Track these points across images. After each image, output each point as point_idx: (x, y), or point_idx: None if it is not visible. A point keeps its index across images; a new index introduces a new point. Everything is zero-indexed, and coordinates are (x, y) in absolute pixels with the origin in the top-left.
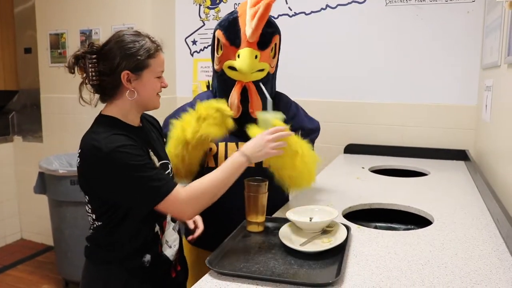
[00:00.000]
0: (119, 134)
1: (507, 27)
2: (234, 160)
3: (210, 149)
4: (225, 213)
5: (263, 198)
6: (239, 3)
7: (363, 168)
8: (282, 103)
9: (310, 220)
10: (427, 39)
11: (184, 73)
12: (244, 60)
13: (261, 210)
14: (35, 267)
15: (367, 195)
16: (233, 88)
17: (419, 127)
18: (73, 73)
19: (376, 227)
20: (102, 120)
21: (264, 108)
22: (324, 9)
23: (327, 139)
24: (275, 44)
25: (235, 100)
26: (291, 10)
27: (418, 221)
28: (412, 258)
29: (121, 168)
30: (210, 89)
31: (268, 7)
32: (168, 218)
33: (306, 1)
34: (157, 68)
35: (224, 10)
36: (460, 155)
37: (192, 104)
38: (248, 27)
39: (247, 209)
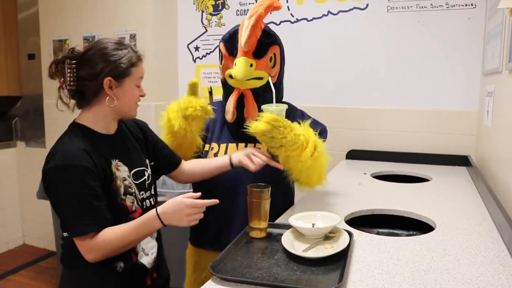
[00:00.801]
0: (80, 150)
1: (508, 34)
2: (147, 223)
3: (212, 147)
4: (227, 213)
5: (266, 204)
6: (242, 9)
7: (365, 174)
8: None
9: (313, 226)
10: (429, 45)
11: (186, 79)
12: (239, 68)
13: (263, 216)
14: (37, 272)
15: (369, 201)
16: (231, 95)
17: (421, 133)
18: (54, 78)
19: (378, 233)
20: (72, 130)
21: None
22: (325, 15)
23: (329, 145)
24: (274, 54)
25: (230, 105)
26: (293, 16)
27: (420, 227)
28: (415, 264)
29: (62, 186)
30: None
31: (259, 18)
32: None
33: (308, 8)
34: (137, 76)
35: (227, 16)
36: (462, 160)
37: None
38: (242, 37)
39: (249, 215)
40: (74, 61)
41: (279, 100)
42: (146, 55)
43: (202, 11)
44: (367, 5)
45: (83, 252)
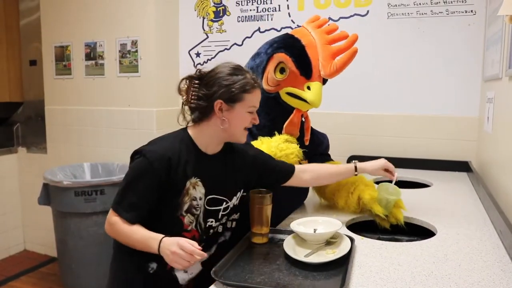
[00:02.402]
0: (166, 154)
1: (507, 40)
2: (150, 243)
3: None
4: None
5: (268, 210)
6: (243, 16)
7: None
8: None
9: (314, 232)
10: (429, 51)
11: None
12: (318, 94)
13: (265, 222)
14: (38, 278)
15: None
16: (293, 115)
17: (421, 138)
18: (181, 94)
19: (379, 238)
20: (178, 134)
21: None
22: None
23: (330, 150)
24: None
25: (295, 127)
26: (293, 23)
27: (420, 232)
28: (416, 270)
29: (131, 169)
30: None
31: (355, 53)
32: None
33: (309, 14)
34: (250, 103)
35: (228, 23)
36: (462, 166)
37: None
38: (329, 65)
39: (251, 220)
40: (197, 81)
41: None
42: (148, 61)
43: (203, 18)
44: (368, 11)
45: (107, 220)
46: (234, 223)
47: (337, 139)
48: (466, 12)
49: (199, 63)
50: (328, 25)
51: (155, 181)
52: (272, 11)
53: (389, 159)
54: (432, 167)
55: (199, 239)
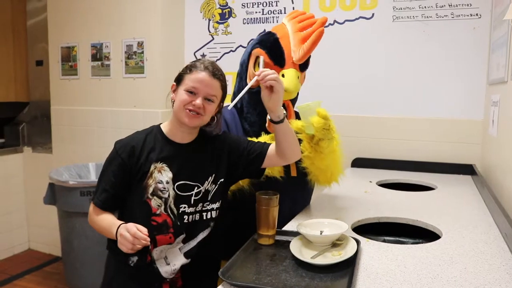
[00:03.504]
0: (131, 143)
1: None
2: (111, 228)
3: None
4: (240, 225)
5: (274, 212)
6: (248, 18)
7: (370, 182)
8: None
9: (321, 234)
10: (434, 54)
11: None
12: (291, 80)
13: (272, 223)
14: (42, 277)
15: (375, 209)
16: None
17: (426, 141)
18: None
19: (384, 241)
20: (149, 127)
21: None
22: (332, 24)
23: None
24: None
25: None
26: None
27: (425, 235)
28: (422, 272)
29: (106, 160)
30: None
31: (321, 34)
32: (179, 239)
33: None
34: (188, 82)
35: (233, 25)
36: (467, 169)
37: None
38: (298, 50)
39: (258, 222)
40: None
41: None
42: (153, 62)
43: (209, 20)
44: (373, 14)
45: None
46: (212, 214)
47: (342, 141)
48: (471, 15)
49: None
50: (304, 15)
51: (119, 167)
52: (278, 13)
53: (394, 162)
54: (436, 170)
55: (173, 224)
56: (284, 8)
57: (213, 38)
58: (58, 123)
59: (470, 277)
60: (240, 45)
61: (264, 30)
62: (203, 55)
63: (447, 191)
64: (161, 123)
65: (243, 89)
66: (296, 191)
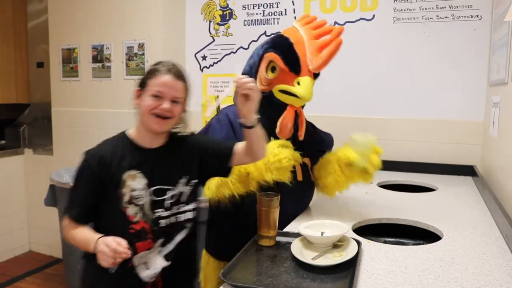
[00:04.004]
0: (100, 153)
1: None
2: (89, 243)
3: None
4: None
5: (275, 213)
6: (249, 20)
7: (371, 183)
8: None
9: (322, 235)
10: (434, 55)
11: (193, 88)
12: (307, 88)
13: (273, 224)
14: (43, 279)
15: (376, 210)
16: (286, 112)
17: (426, 142)
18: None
19: (385, 242)
20: (116, 135)
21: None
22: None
23: None
24: None
25: (288, 123)
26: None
27: (426, 236)
28: (423, 273)
29: (76, 172)
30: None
31: (340, 45)
32: (157, 244)
33: None
34: (153, 87)
35: (234, 26)
36: (467, 170)
37: (218, 119)
38: (315, 58)
39: (259, 223)
40: None
41: None
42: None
43: (210, 21)
44: (374, 16)
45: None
46: (188, 215)
47: (342, 142)
48: (471, 17)
49: (205, 66)
50: (317, 21)
51: (91, 177)
52: (278, 15)
53: (394, 163)
54: (437, 171)
55: (151, 230)
56: (285, 9)
57: (213, 40)
58: (59, 125)
59: (471, 278)
60: (241, 47)
61: (265, 31)
62: (204, 57)
63: (447, 192)
64: (127, 130)
65: None
66: (300, 195)
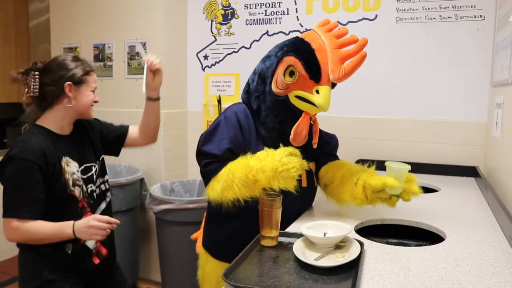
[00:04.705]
0: (36, 147)
1: None
2: (63, 230)
3: None
4: (245, 228)
5: (277, 213)
6: (251, 19)
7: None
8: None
9: (324, 235)
10: (437, 55)
11: (195, 87)
12: (326, 98)
13: (275, 225)
14: None
15: (378, 211)
16: (301, 119)
17: (429, 143)
18: (24, 87)
19: (387, 243)
20: (33, 130)
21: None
22: None
23: (338, 153)
24: None
25: (303, 130)
26: (302, 26)
27: (429, 237)
28: (426, 274)
29: (13, 175)
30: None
31: (364, 58)
32: (97, 213)
33: (317, 18)
34: (92, 84)
35: (236, 25)
36: (470, 171)
37: (226, 117)
38: (337, 70)
39: (261, 223)
40: (37, 72)
41: None
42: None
43: (212, 20)
44: (376, 16)
45: (6, 231)
46: (106, 186)
47: (345, 142)
48: (475, 17)
49: (207, 66)
50: (338, 29)
51: (36, 173)
52: (281, 14)
53: None
54: (439, 172)
55: (88, 205)
56: (287, 9)
57: (215, 39)
58: None
59: (475, 280)
60: (243, 46)
61: (267, 31)
62: (206, 56)
63: (450, 193)
64: (36, 123)
65: (264, 92)
66: (302, 200)
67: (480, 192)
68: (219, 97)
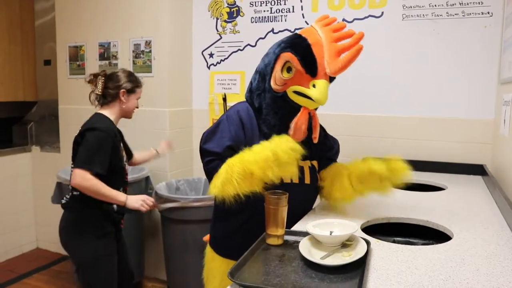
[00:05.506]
0: (110, 124)
1: None
2: (118, 196)
3: None
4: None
5: (283, 211)
6: (257, 17)
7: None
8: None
9: (331, 234)
10: (444, 53)
11: (200, 85)
12: (323, 92)
13: (281, 223)
14: (51, 276)
15: (385, 209)
16: (300, 114)
17: (436, 141)
18: (91, 85)
19: (394, 242)
20: (100, 114)
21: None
22: None
23: (342, 152)
24: None
25: (302, 124)
26: (307, 24)
27: (436, 236)
28: (433, 273)
29: (95, 138)
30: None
31: (360, 51)
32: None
33: None
34: (138, 94)
35: (241, 23)
36: (477, 169)
37: (228, 116)
38: (334, 63)
39: (267, 222)
40: (104, 78)
41: None
42: (161, 61)
43: (217, 18)
44: (382, 13)
45: (76, 176)
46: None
47: (350, 140)
48: (482, 14)
49: (212, 64)
50: (336, 23)
51: (110, 144)
52: (286, 12)
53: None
54: (446, 170)
55: (127, 181)
56: (293, 6)
57: (221, 37)
58: (66, 122)
59: (483, 279)
60: (248, 44)
61: (272, 28)
62: (211, 54)
63: (457, 191)
64: (98, 113)
65: (264, 89)
66: (305, 198)
67: (488, 191)
68: (225, 95)
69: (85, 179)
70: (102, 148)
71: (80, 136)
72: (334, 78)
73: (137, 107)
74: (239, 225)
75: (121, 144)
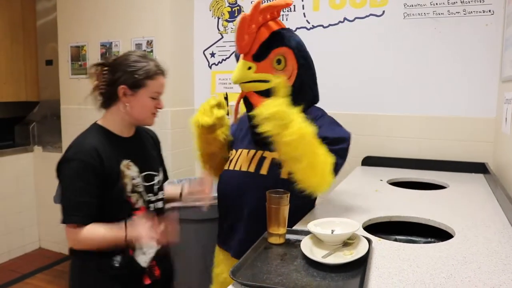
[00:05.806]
0: (91, 147)
1: None
2: (118, 237)
3: (231, 154)
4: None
5: (285, 210)
6: None
7: (381, 180)
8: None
9: (332, 233)
10: (445, 51)
11: (202, 85)
12: (235, 71)
13: (282, 222)
14: (53, 276)
15: (386, 208)
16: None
17: (437, 139)
18: (93, 79)
19: (396, 240)
20: (90, 129)
21: None
22: (342, 22)
23: None
24: (283, 57)
25: (233, 106)
26: (309, 23)
27: (437, 234)
28: (435, 272)
29: (66, 177)
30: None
31: (243, 21)
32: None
33: (324, 14)
34: (153, 89)
35: None
36: (479, 168)
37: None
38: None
39: (268, 221)
40: (106, 67)
41: (305, 102)
42: (162, 61)
43: (218, 18)
44: (384, 12)
45: (67, 238)
46: (163, 203)
47: (353, 139)
48: (484, 12)
49: (214, 63)
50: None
51: (92, 174)
52: (287, 11)
53: (405, 160)
54: (447, 168)
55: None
56: (294, 6)
57: (222, 37)
58: (68, 122)
59: (485, 277)
60: None
61: None
62: (213, 54)
63: (459, 189)
64: (95, 123)
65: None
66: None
67: (489, 189)
68: (226, 94)
69: (78, 241)
70: (74, 187)
71: (56, 171)
72: (263, 55)
73: (158, 108)
74: (240, 224)
75: (121, 167)
